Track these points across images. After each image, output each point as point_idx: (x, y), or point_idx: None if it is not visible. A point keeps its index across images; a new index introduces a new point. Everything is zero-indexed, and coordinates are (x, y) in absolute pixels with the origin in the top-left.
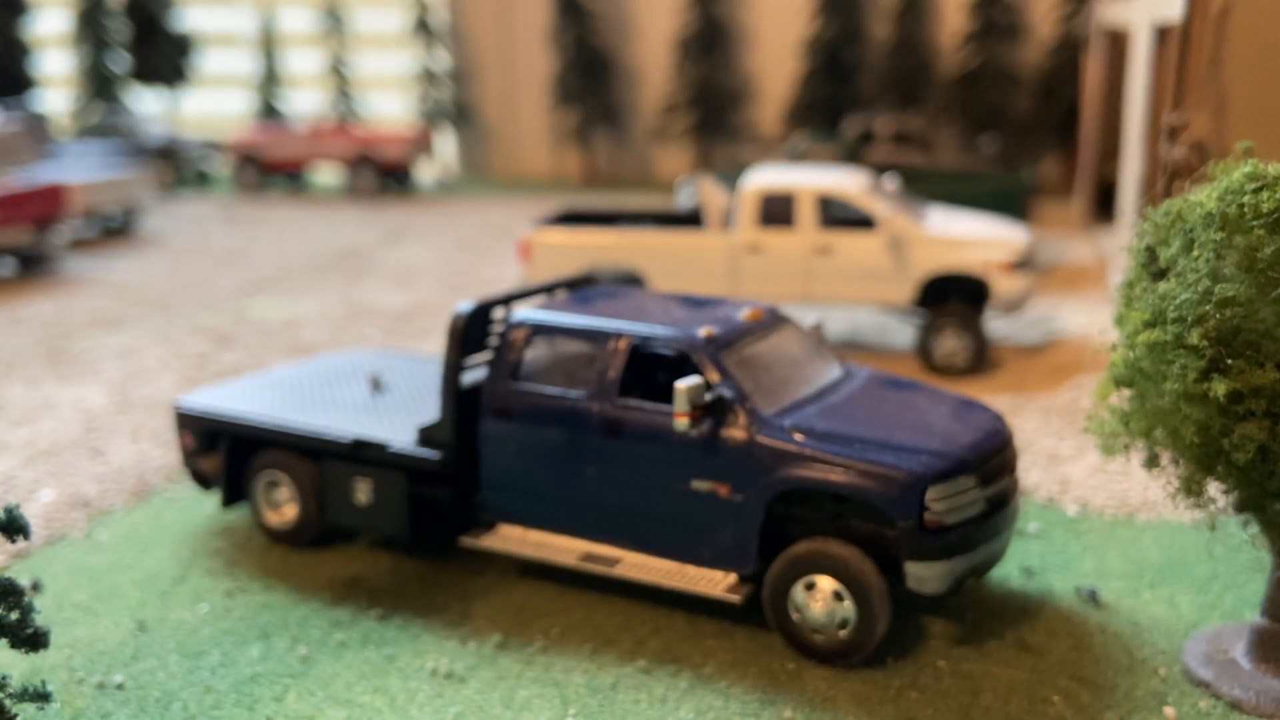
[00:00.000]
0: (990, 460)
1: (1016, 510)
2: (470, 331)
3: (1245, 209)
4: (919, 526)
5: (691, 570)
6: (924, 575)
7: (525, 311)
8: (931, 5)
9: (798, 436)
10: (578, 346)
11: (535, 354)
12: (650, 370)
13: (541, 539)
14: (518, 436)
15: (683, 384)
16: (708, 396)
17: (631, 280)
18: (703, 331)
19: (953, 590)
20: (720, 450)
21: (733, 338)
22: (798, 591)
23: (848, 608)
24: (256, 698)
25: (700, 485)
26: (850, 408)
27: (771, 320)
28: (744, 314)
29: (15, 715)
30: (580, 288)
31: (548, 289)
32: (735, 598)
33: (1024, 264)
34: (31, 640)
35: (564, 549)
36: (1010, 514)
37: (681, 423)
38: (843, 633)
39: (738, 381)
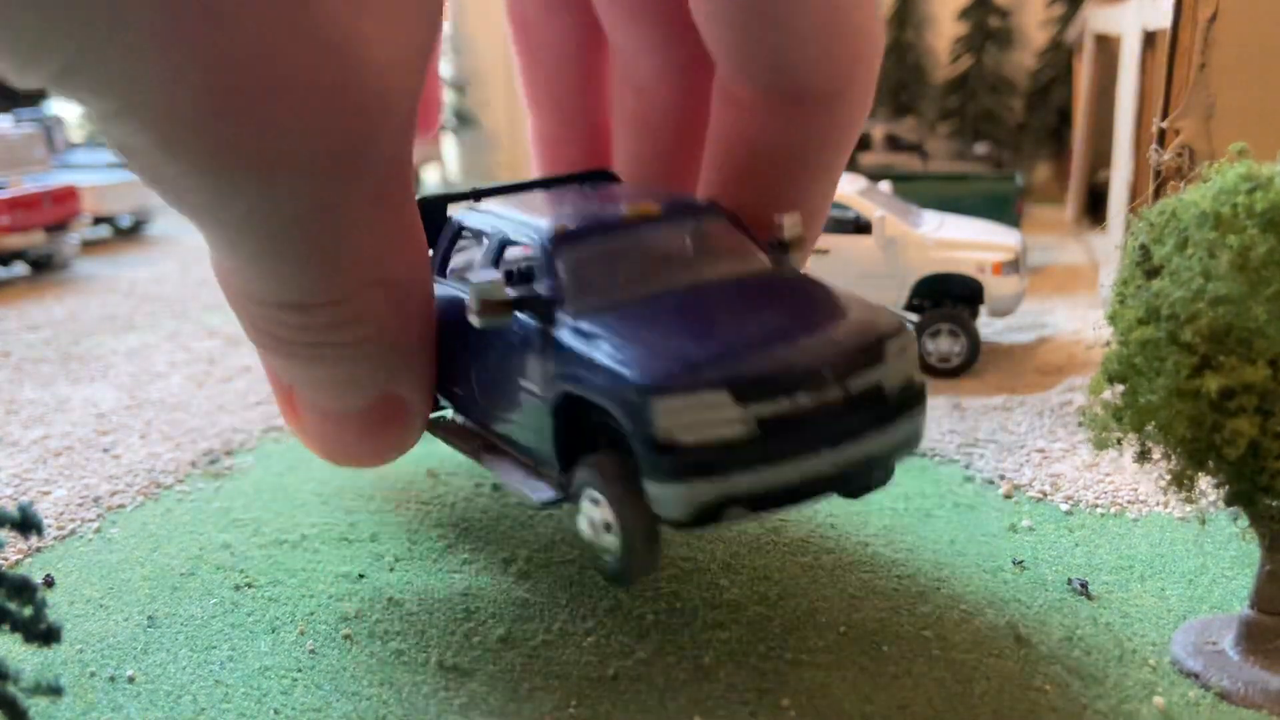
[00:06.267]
0: (780, 376)
1: (869, 428)
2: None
3: (1239, 209)
4: (649, 442)
5: (533, 473)
6: (659, 497)
7: (460, 212)
8: (926, 12)
9: (577, 337)
10: (477, 243)
11: (459, 253)
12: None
13: (465, 429)
14: (441, 330)
15: (475, 279)
16: (510, 293)
17: None
18: (555, 227)
19: (702, 519)
20: (534, 349)
21: (592, 232)
22: (584, 505)
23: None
24: (265, 690)
25: (525, 384)
26: (692, 308)
27: (672, 216)
28: (627, 209)
29: (28, 709)
30: (592, 184)
31: (540, 185)
32: (536, 499)
33: (1017, 266)
34: (44, 635)
35: (471, 440)
36: (841, 430)
37: (474, 319)
38: (608, 557)
39: (560, 280)
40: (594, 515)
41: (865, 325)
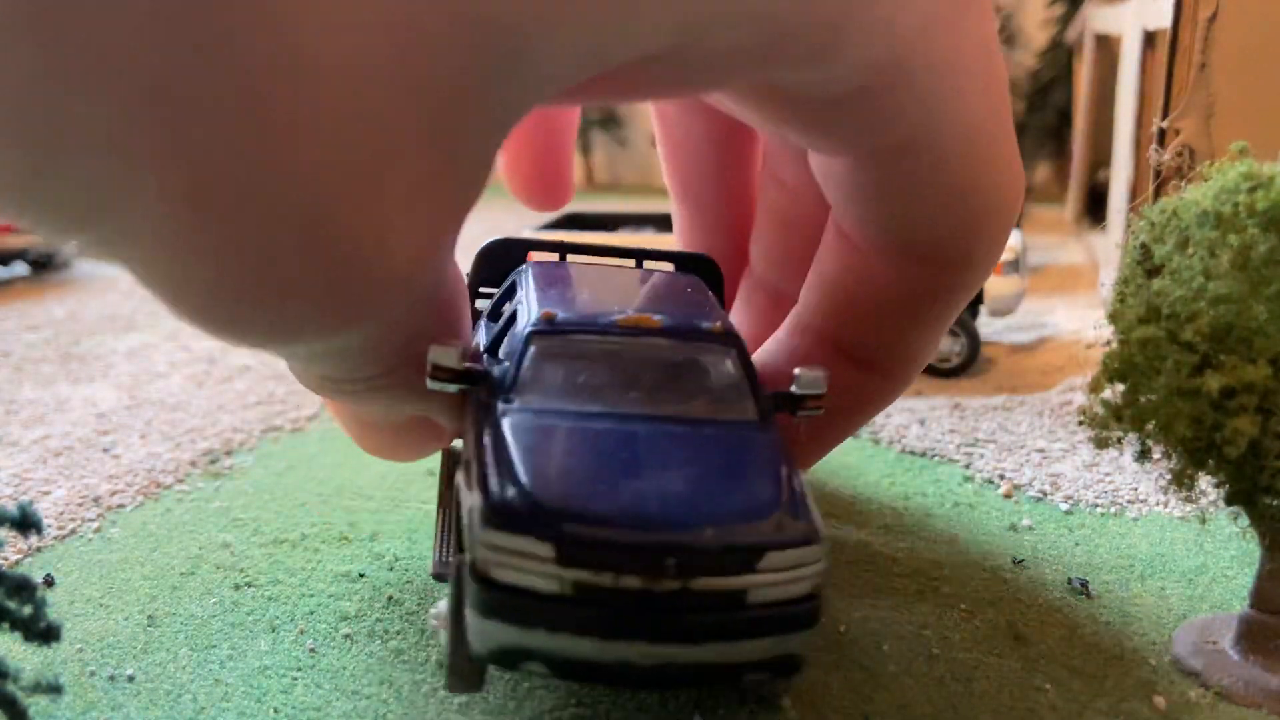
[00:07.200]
0: (616, 549)
1: (707, 633)
2: (491, 263)
3: (1240, 208)
4: (470, 565)
5: (452, 539)
6: (470, 624)
7: (528, 264)
8: None
9: (492, 429)
10: (509, 304)
11: (508, 303)
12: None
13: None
14: None
15: (438, 345)
16: (467, 364)
17: None
18: (543, 313)
19: (500, 660)
20: (473, 422)
21: (576, 329)
22: (444, 595)
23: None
24: (265, 690)
25: (465, 450)
26: (612, 442)
27: (672, 335)
28: (626, 316)
29: (28, 708)
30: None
31: (633, 254)
32: (432, 567)
33: (1017, 266)
34: (44, 634)
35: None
36: (667, 627)
37: (427, 380)
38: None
39: (520, 368)
40: (441, 609)
41: (756, 527)
